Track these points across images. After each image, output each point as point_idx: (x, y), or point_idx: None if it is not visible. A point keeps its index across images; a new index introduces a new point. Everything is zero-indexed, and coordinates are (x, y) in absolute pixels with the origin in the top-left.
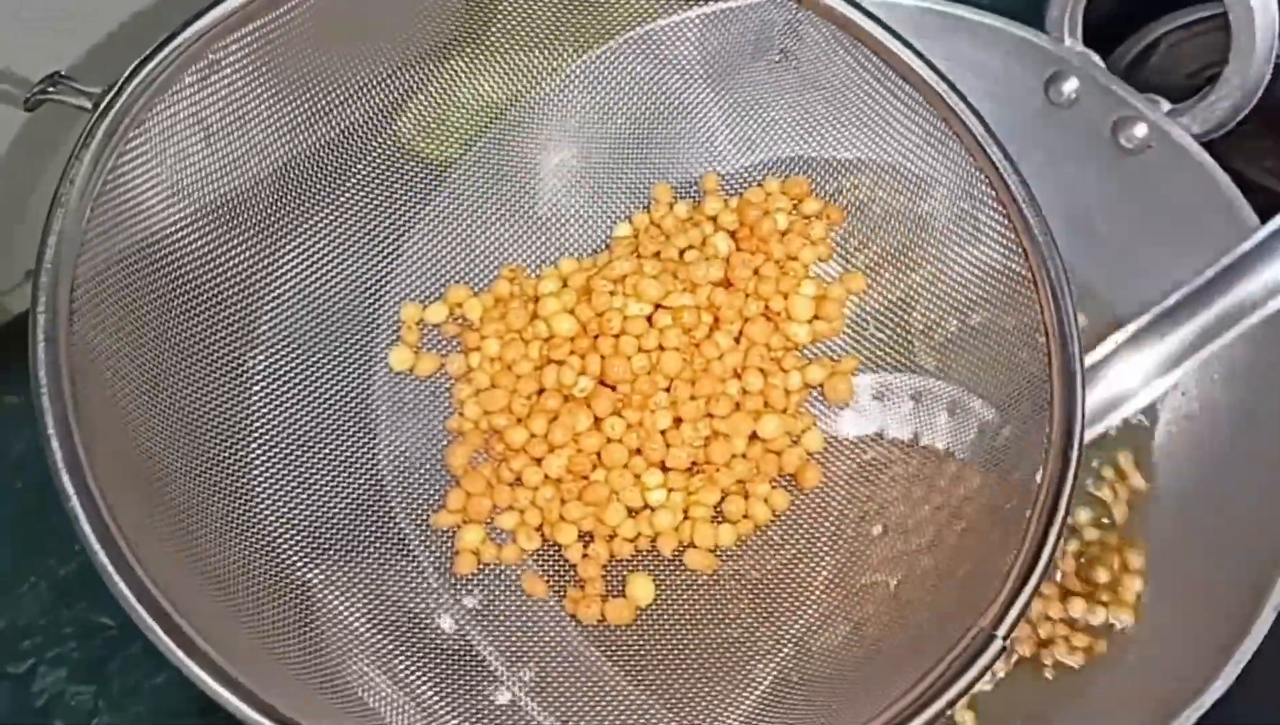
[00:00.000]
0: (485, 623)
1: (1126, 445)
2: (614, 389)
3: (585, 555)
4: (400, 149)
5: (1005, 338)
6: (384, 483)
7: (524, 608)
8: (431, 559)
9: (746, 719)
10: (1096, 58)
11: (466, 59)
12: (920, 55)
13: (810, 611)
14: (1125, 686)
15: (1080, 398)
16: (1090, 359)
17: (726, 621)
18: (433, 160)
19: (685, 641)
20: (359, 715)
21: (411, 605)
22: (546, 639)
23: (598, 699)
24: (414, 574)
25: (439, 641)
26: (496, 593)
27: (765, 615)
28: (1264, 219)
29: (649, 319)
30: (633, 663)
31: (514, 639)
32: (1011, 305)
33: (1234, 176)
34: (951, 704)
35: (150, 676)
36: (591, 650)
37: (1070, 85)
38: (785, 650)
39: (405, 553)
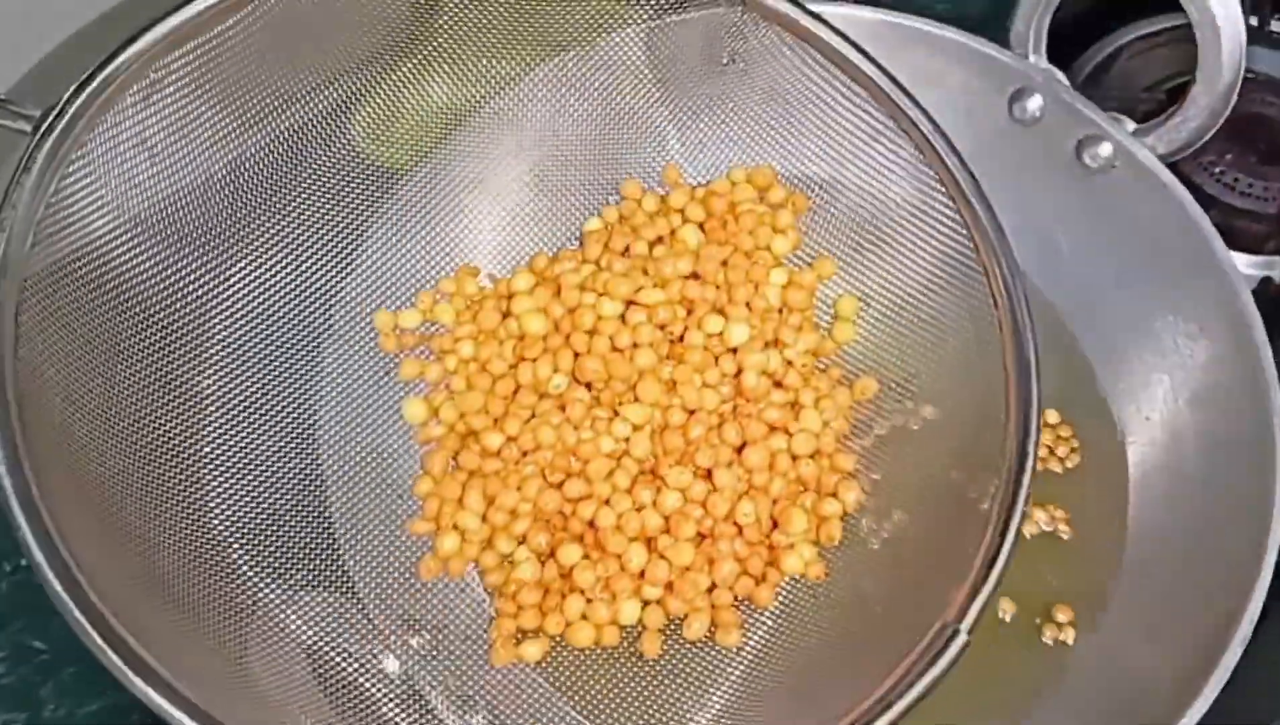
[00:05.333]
0: (433, 664)
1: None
2: (589, 387)
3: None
4: (353, 158)
5: (961, 331)
6: (329, 505)
7: (474, 646)
8: (375, 583)
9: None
10: (1061, 75)
11: (413, 67)
12: (864, 53)
13: (770, 618)
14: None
15: (1035, 387)
16: None
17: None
18: (387, 166)
19: (642, 668)
20: None
21: (353, 647)
22: (500, 680)
23: None
24: (356, 608)
25: (383, 685)
26: (446, 631)
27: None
28: (1225, 235)
29: (622, 317)
30: (583, 687)
31: (464, 680)
32: (966, 297)
33: (1194, 191)
34: (917, 701)
35: (83, 704)
36: (548, 689)
37: (1034, 103)
38: (743, 661)
39: (347, 584)
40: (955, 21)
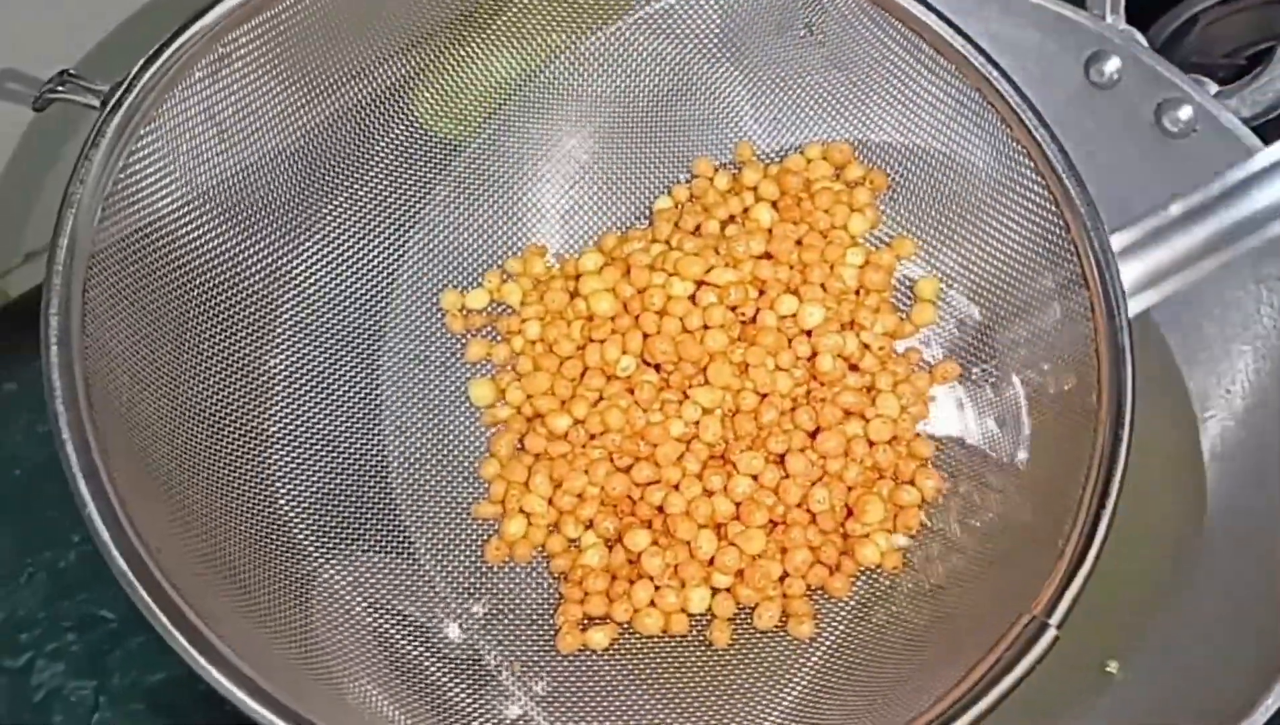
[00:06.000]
0: (495, 631)
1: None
2: (658, 369)
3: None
4: (418, 134)
5: (1051, 315)
6: (392, 486)
7: (536, 615)
8: (440, 565)
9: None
10: (1140, 36)
11: (481, 39)
12: (949, 22)
13: (846, 609)
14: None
15: (1130, 373)
16: None
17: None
18: (453, 141)
19: (712, 650)
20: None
21: (417, 613)
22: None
23: (614, 713)
24: (421, 580)
25: (446, 651)
26: (507, 599)
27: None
28: None
29: (692, 298)
30: (652, 674)
31: (526, 649)
32: (1056, 280)
33: None
34: (1004, 697)
35: (151, 672)
36: (609, 661)
37: (1112, 65)
38: (818, 653)
39: (411, 558)
40: None
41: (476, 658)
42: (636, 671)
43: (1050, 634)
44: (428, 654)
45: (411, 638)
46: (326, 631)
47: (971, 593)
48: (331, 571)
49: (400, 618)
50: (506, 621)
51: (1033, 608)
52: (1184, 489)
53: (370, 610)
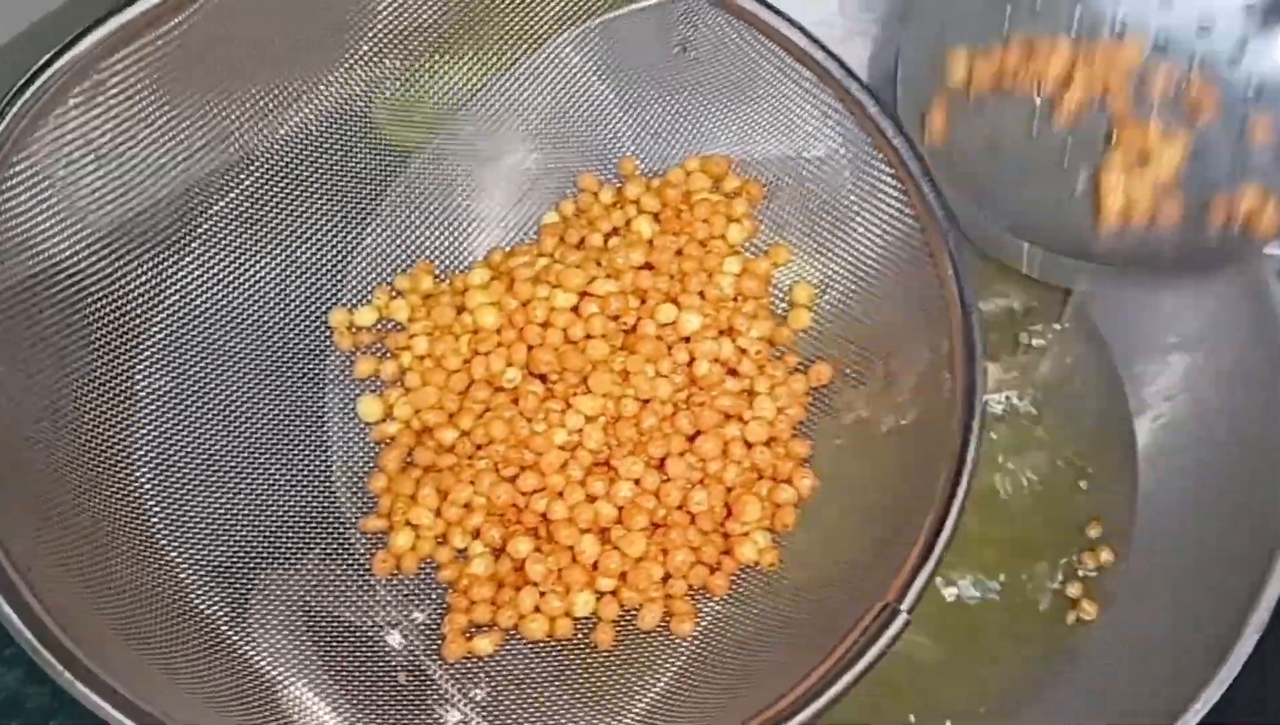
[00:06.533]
0: (436, 639)
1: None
2: (544, 380)
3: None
4: (301, 154)
5: (914, 315)
6: (335, 492)
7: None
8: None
9: (649, 708)
10: None
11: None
12: (811, 36)
13: (717, 604)
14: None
15: (979, 372)
16: None
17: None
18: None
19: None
20: None
21: (358, 621)
22: (500, 655)
23: (551, 719)
24: (363, 589)
25: (388, 658)
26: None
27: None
28: None
29: (575, 309)
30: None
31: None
32: (918, 281)
33: None
34: (857, 679)
35: None
36: (545, 667)
37: None
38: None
39: (353, 566)
40: None
41: (417, 664)
42: (568, 678)
43: (902, 618)
44: (369, 661)
45: (351, 645)
46: (260, 643)
47: (838, 585)
48: (268, 578)
49: (340, 625)
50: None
51: (887, 595)
52: (1118, 487)
53: (308, 619)
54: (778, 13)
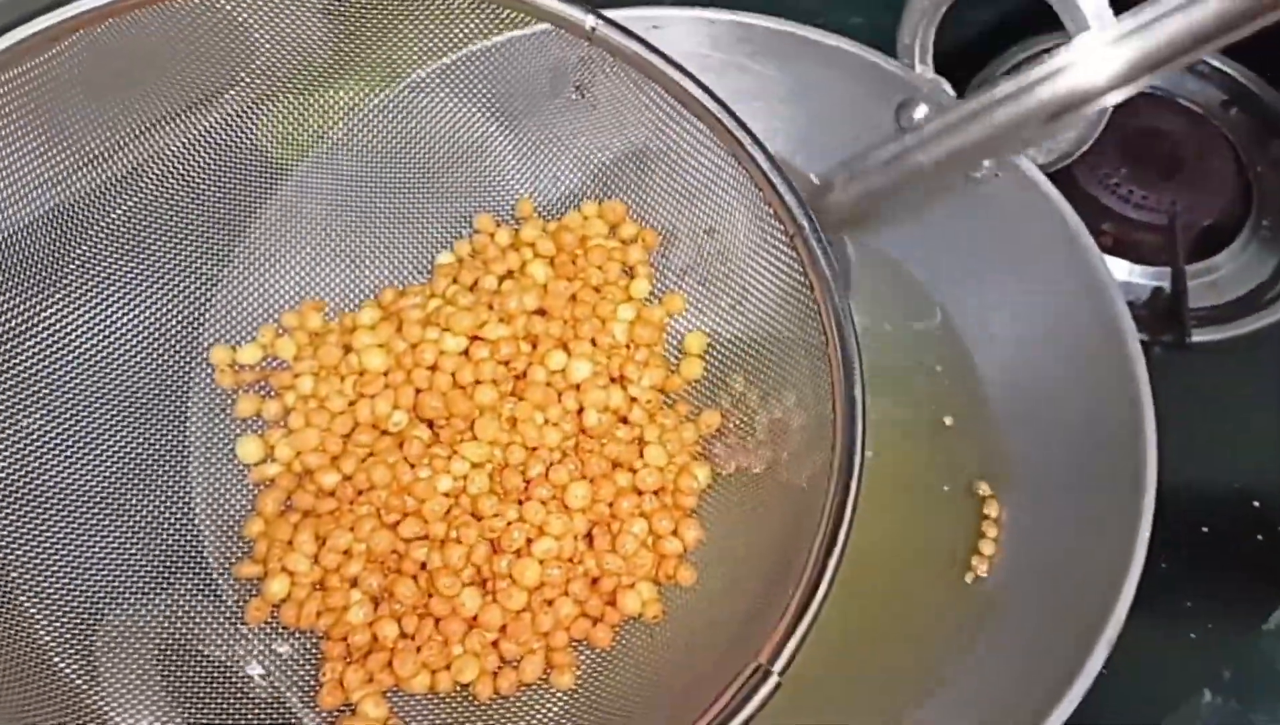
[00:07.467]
0: (300, 671)
1: None
2: (430, 425)
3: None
4: (188, 190)
5: (800, 370)
6: (197, 526)
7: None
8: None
9: None
10: (947, 85)
11: (241, 98)
12: (704, 86)
13: (596, 656)
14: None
15: (861, 429)
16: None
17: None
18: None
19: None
20: None
21: (217, 653)
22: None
23: None
24: (222, 620)
25: (246, 690)
26: (314, 638)
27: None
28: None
29: (465, 352)
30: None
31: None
32: (804, 334)
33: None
34: None
35: None
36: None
37: (920, 112)
38: (563, 697)
39: (213, 597)
40: (842, 32)
41: (279, 699)
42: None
43: (772, 681)
44: (226, 694)
45: (207, 679)
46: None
47: (716, 642)
48: (115, 618)
49: (198, 659)
50: (311, 663)
51: (758, 656)
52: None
53: (160, 656)
54: (670, 61)
